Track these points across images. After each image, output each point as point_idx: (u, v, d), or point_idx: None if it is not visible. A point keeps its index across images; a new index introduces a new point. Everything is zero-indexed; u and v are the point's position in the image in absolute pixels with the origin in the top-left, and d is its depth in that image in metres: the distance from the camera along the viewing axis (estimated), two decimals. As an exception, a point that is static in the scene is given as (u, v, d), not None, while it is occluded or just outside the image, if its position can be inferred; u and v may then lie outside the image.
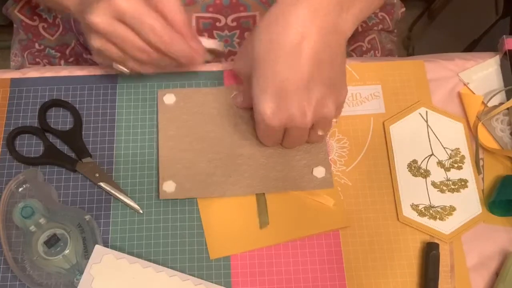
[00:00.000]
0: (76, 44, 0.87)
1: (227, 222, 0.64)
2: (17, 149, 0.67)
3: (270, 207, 0.65)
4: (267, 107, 0.57)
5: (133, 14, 0.58)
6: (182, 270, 0.62)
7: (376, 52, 0.89)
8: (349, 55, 0.87)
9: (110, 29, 0.59)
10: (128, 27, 0.59)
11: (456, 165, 0.68)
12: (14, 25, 0.91)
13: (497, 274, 0.63)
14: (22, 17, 0.87)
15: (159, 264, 0.61)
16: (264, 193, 0.65)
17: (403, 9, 0.95)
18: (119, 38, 0.60)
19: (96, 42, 0.61)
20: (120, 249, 0.63)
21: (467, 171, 0.67)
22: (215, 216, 0.64)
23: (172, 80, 0.71)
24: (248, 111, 0.68)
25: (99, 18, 0.58)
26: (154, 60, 0.62)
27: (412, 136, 0.69)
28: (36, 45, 0.88)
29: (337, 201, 0.65)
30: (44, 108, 0.69)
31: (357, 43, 0.88)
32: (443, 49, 0.83)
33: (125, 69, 0.65)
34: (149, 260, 0.61)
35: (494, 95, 0.71)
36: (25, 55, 0.88)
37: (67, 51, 0.89)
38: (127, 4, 0.57)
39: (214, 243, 0.63)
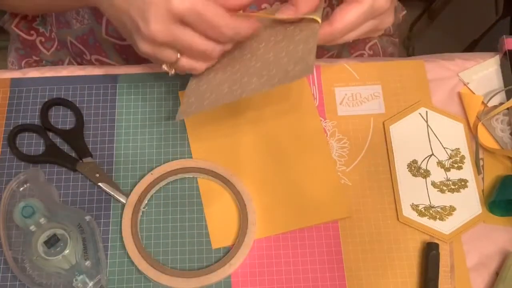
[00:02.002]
0: (70, 61, 0.87)
1: (229, 211, 0.65)
2: (18, 147, 0.67)
3: (270, 196, 0.65)
4: None
5: (193, 14, 0.54)
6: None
7: (378, 57, 0.88)
8: None
9: (169, 38, 0.56)
10: (187, 27, 0.56)
11: (456, 165, 0.68)
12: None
13: (497, 274, 0.63)
14: (19, 32, 0.87)
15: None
16: None
17: (404, 12, 0.94)
18: (179, 44, 0.57)
19: (147, 48, 0.58)
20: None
21: (467, 171, 0.67)
22: (217, 207, 0.65)
23: (171, 80, 0.71)
24: None
25: (157, 26, 0.54)
26: (213, 53, 0.59)
27: (412, 136, 0.69)
28: (34, 56, 0.88)
29: (338, 192, 0.66)
30: (46, 106, 0.69)
31: (359, 51, 0.88)
32: (443, 49, 0.83)
33: (172, 71, 0.61)
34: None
35: (494, 95, 0.71)
36: (22, 64, 0.87)
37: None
38: (185, 5, 0.54)
39: (215, 232, 0.64)
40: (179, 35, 0.56)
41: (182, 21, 0.55)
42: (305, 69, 0.58)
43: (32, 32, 0.87)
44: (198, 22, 0.55)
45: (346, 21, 0.61)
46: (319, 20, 0.61)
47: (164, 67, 0.61)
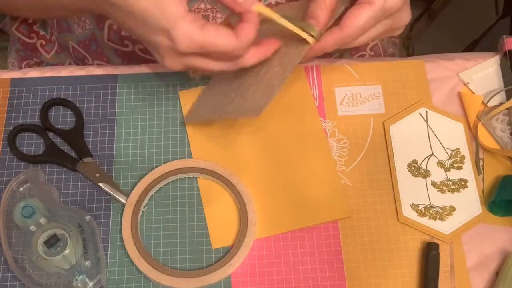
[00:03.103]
0: (71, 64, 0.87)
1: (229, 211, 0.65)
2: (18, 147, 0.67)
3: (270, 196, 0.65)
4: None
5: (199, 49, 0.57)
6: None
7: (378, 57, 0.88)
8: None
9: (185, 66, 0.60)
10: (199, 56, 0.59)
11: (456, 165, 0.68)
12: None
13: (497, 274, 0.63)
14: (20, 35, 0.86)
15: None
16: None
17: None
18: (196, 67, 0.61)
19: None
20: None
21: (467, 171, 0.67)
22: (217, 207, 0.65)
23: (171, 80, 0.71)
24: None
25: (170, 62, 0.59)
26: (230, 68, 0.62)
27: (412, 136, 0.69)
28: (34, 59, 0.88)
29: (338, 192, 0.66)
30: (46, 106, 0.69)
31: (360, 52, 0.88)
32: (443, 49, 0.83)
33: (197, 77, 0.67)
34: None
35: (494, 95, 0.71)
36: (22, 66, 0.87)
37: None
38: (189, 45, 0.56)
39: (215, 232, 0.64)
40: (193, 63, 0.59)
41: (193, 54, 0.58)
42: (257, 110, 0.60)
43: (32, 35, 0.86)
44: (206, 54, 0.58)
45: (356, 24, 0.60)
46: (311, 42, 0.61)
47: (190, 74, 0.66)
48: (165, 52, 0.58)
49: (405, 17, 0.64)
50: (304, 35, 0.61)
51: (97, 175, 0.66)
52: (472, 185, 0.67)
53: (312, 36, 0.61)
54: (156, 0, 0.55)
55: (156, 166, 0.66)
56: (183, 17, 0.55)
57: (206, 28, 0.56)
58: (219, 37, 0.56)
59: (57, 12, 0.74)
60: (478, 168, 0.68)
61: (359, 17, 0.60)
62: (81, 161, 0.66)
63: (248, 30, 0.58)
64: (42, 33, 0.86)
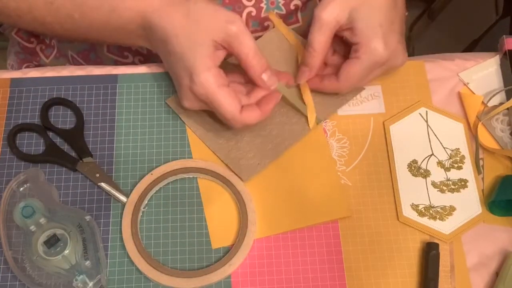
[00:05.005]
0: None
1: (229, 211, 0.65)
2: (18, 147, 0.67)
3: (270, 196, 0.66)
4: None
5: (205, 102, 0.62)
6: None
7: None
8: None
9: (200, 108, 0.65)
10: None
11: (456, 165, 0.68)
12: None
13: (497, 274, 0.63)
14: (20, 40, 0.86)
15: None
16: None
17: (406, 13, 0.94)
18: (210, 110, 0.65)
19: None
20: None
21: (467, 171, 0.67)
22: (217, 207, 0.65)
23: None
24: None
25: (187, 103, 0.64)
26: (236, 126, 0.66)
27: (412, 136, 0.69)
28: (34, 62, 0.88)
29: (338, 192, 0.66)
30: (47, 106, 0.69)
31: None
32: (443, 49, 0.83)
33: None
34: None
35: (494, 95, 0.71)
36: (22, 68, 0.87)
37: None
38: (201, 93, 0.61)
39: (216, 232, 0.64)
40: (208, 107, 0.64)
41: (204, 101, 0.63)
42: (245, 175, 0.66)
43: (32, 39, 0.86)
44: (211, 107, 0.63)
45: (350, 78, 0.66)
46: (310, 126, 0.68)
47: None
48: (184, 92, 0.63)
49: (401, 60, 0.67)
50: (311, 120, 0.68)
51: (97, 175, 0.66)
52: (472, 185, 0.67)
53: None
54: (193, 45, 0.61)
55: (156, 166, 0.67)
56: (209, 68, 0.60)
57: (222, 88, 0.61)
58: (226, 102, 0.61)
59: (93, 42, 0.78)
60: (478, 168, 0.68)
61: (351, 72, 0.65)
62: (81, 161, 0.66)
63: (254, 115, 0.63)
64: (41, 37, 0.86)
